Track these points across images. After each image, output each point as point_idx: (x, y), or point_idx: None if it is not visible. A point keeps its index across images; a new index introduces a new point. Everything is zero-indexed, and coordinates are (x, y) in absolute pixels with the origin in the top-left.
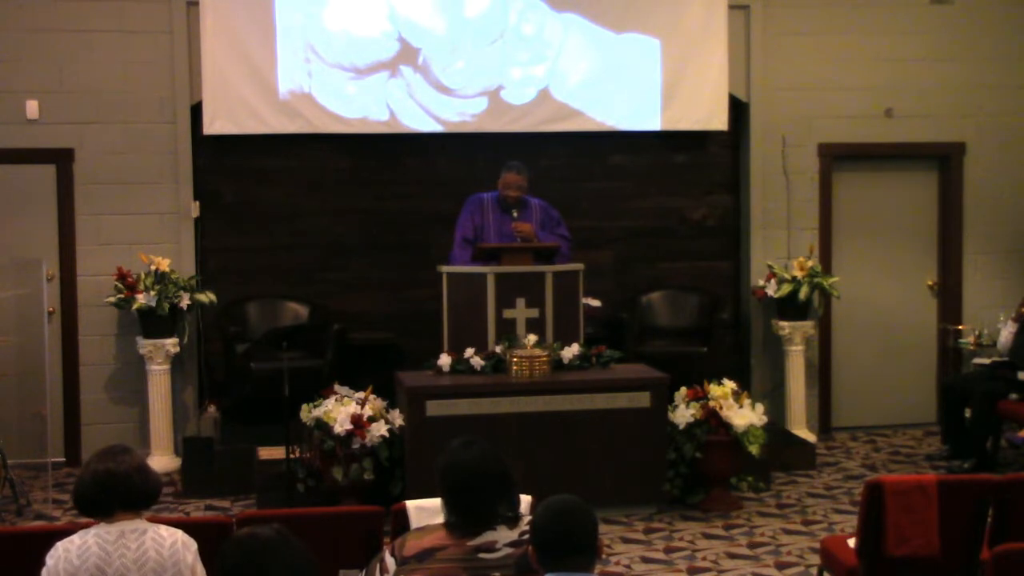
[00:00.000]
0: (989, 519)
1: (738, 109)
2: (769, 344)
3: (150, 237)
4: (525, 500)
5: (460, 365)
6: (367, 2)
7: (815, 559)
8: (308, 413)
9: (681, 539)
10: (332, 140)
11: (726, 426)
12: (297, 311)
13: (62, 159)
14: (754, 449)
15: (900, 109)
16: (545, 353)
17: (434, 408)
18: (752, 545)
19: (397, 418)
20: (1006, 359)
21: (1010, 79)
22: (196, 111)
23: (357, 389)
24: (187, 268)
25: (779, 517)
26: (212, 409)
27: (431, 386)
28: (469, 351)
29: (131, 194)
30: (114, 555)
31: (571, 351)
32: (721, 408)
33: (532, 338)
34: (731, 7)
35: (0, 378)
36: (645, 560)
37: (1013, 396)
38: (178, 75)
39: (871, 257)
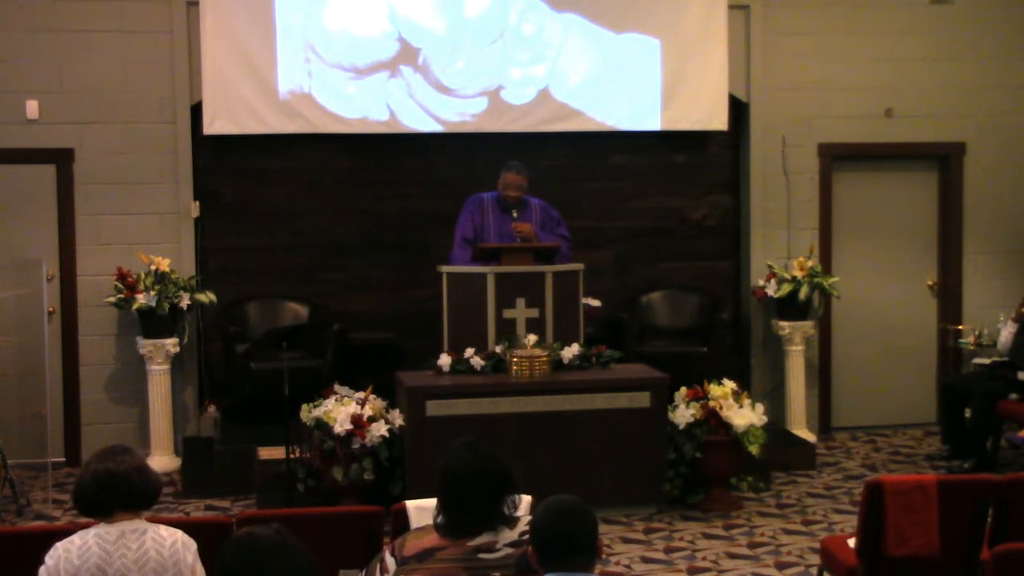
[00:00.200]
0: (989, 519)
1: (738, 109)
2: (769, 344)
3: (150, 237)
4: (525, 500)
5: (460, 365)
6: (367, 2)
7: (815, 559)
8: (308, 413)
9: (681, 539)
10: (332, 140)
11: (726, 426)
12: (297, 311)
13: (62, 159)
14: (754, 449)
15: (900, 109)
16: (545, 353)
17: (434, 408)
18: (752, 545)
19: (397, 418)
20: (1006, 359)
21: (1010, 79)
22: (196, 111)
23: (357, 389)
24: (187, 268)
25: (779, 517)
26: (212, 409)
27: (431, 386)
28: (469, 351)
29: (131, 194)
30: (115, 555)
31: (571, 351)
32: (721, 408)
33: (532, 338)
34: (731, 7)
35: (0, 378)
36: (645, 560)
37: (1013, 396)
38: (178, 75)
39: (871, 257)
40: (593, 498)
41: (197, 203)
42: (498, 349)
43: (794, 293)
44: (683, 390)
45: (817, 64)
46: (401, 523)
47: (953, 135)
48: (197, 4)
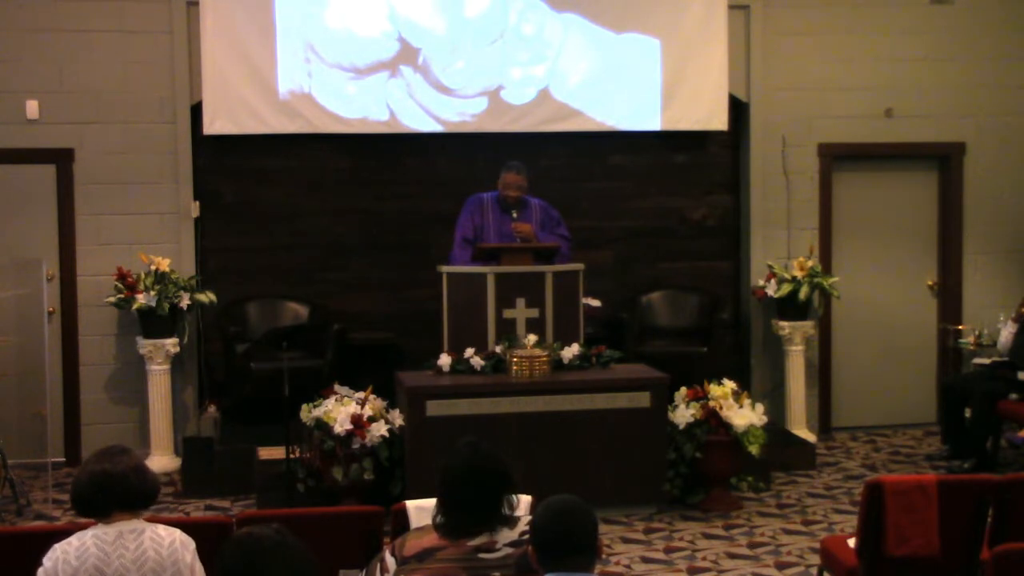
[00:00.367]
0: (989, 519)
1: (738, 109)
2: (769, 344)
3: (150, 237)
4: (525, 500)
5: (460, 365)
6: (367, 2)
7: (815, 559)
8: (308, 413)
9: (681, 539)
10: (332, 140)
11: (726, 426)
12: (297, 311)
13: (62, 159)
14: (754, 449)
15: (900, 109)
16: (545, 353)
17: (434, 408)
18: (752, 545)
19: (397, 418)
20: (1006, 359)
21: (1010, 79)
22: (196, 111)
23: (357, 389)
24: (187, 268)
25: (779, 517)
26: (212, 409)
27: (431, 386)
28: (469, 351)
29: (131, 194)
30: (113, 555)
31: (571, 351)
32: (721, 408)
33: (532, 338)
34: (731, 7)
35: (0, 378)
36: (645, 560)
37: (1013, 396)
38: (178, 75)
39: (871, 257)
40: (593, 498)
41: (197, 203)
42: (498, 349)
43: (794, 293)
44: (683, 390)
45: (817, 64)
46: (401, 523)
47: (953, 135)
48: (197, 4)
